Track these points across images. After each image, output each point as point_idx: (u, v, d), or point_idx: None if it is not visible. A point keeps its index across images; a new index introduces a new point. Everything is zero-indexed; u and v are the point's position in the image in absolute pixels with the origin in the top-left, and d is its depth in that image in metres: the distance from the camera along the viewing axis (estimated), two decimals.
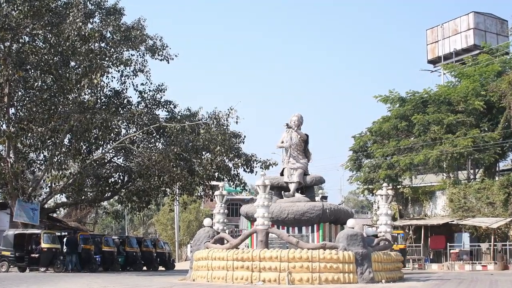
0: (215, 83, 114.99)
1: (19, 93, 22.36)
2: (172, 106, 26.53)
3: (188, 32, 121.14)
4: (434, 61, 41.24)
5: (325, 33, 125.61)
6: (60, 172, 22.33)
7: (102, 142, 24.63)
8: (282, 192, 15.54)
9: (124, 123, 24.31)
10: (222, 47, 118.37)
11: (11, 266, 21.74)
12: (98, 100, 24.16)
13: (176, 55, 25.01)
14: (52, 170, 22.96)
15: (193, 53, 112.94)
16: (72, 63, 22.66)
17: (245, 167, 25.22)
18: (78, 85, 21.36)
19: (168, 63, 25.15)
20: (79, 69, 21.71)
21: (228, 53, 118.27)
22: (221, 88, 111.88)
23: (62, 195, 28.14)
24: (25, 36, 21.83)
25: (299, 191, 15.40)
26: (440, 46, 40.13)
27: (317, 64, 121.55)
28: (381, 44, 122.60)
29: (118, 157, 25.95)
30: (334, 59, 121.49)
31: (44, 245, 21.11)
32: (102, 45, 23.61)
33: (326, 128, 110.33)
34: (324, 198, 19.32)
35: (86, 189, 26.00)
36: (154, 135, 25.14)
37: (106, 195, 26.84)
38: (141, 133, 23.52)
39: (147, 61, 25.16)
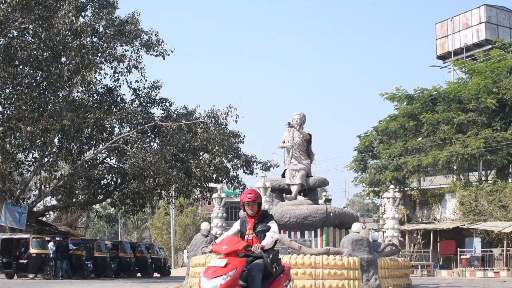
0: (214, 80, 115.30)
1: (7, 90, 22.39)
2: (167, 104, 26.57)
3: (185, 27, 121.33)
4: (443, 57, 41.19)
5: (330, 29, 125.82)
6: (50, 174, 22.36)
7: (94, 142, 24.67)
8: (284, 194, 15.54)
9: (117, 122, 24.35)
10: (221, 43, 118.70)
11: None
12: (90, 98, 24.21)
13: (172, 51, 25.08)
14: (42, 171, 23.00)
15: (190, 49, 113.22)
16: (63, 59, 22.69)
17: (244, 168, 25.28)
18: (70, 82, 21.39)
19: (164, 59, 25.18)
20: (70, 65, 21.73)
21: (228, 50, 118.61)
22: (220, 86, 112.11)
23: (52, 197, 28.19)
24: (13, 31, 21.85)
25: (302, 194, 15.39)
26: (450, 41, 40.03)
27: (321, 61, 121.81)
28: (388, 39, 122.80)
29: (111, 157, 25.99)
30: (337, 56, 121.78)
31: (32, 250, 21.10)
32: (94, 40, 23.64)
33: (331, 127, 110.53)
34: (327, 201, 19.28)
35: (77, 192, 26.03)
36: (149, 134, 25.17)
37: (98, 197, 26.87)
38: (135, 133, 23.55)
39: (141, 57, 25.22)
